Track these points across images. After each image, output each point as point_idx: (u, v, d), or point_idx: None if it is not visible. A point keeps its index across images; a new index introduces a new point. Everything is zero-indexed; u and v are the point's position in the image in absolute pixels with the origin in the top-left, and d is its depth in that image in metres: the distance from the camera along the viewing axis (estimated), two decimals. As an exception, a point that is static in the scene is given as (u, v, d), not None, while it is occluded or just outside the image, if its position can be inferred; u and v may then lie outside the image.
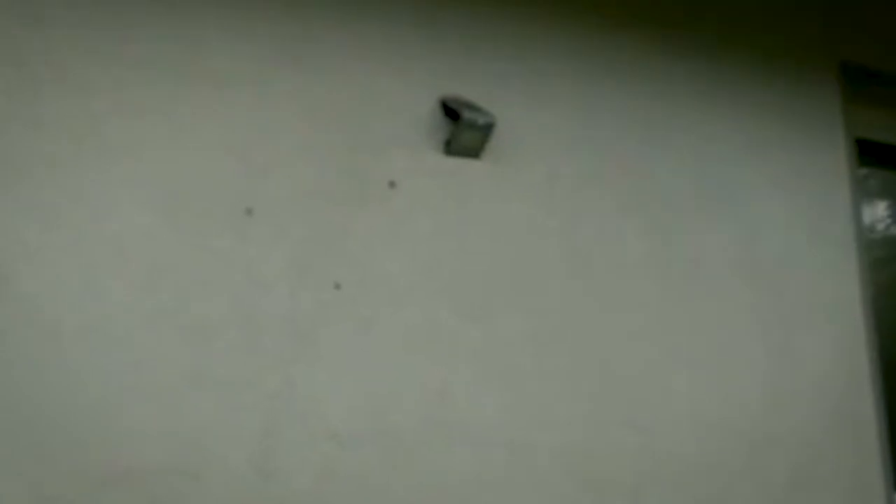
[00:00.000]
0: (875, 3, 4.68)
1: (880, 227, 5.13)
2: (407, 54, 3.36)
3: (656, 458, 3.59)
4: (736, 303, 3.95)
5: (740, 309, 3.95)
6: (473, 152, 3.41)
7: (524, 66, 3.58)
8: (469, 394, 3.34)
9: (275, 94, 3.06)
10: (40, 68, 2.73)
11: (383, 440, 3.09)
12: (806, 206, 4.28)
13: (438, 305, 3.28)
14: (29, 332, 2.62)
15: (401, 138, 3.29)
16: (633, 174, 3.78)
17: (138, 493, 2.68)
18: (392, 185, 3.24)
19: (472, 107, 3.37)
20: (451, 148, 3.36)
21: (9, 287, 2.61)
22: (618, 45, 3.79)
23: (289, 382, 2.95)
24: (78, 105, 2.75)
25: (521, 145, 3.53)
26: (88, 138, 2.75)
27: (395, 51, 3.34)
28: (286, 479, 2.90)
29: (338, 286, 3.09)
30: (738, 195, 4.07)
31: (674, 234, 3.84)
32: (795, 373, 3.97)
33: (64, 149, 2.72)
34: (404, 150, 3.29)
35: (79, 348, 2.67)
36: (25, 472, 2.54)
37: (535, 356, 3.48)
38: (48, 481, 2.58)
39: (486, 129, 3.35)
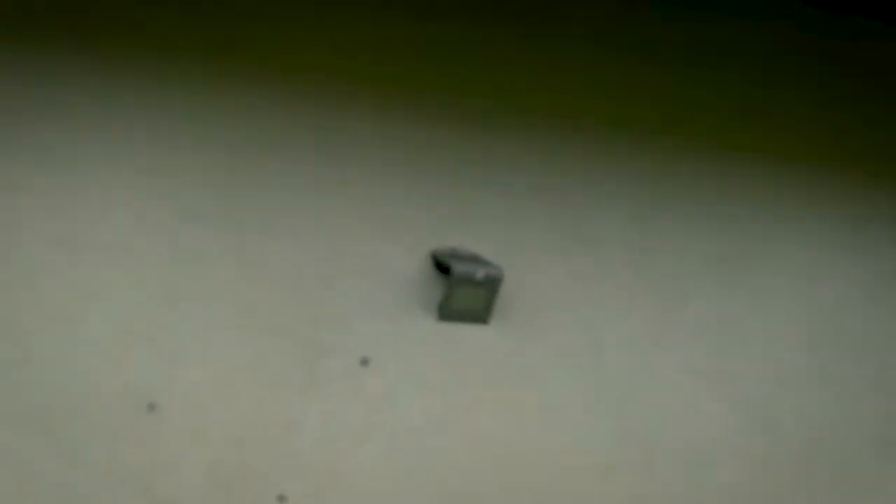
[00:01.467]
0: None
1: None
2: (391, 202, 2.64)
3: None
4: None
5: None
6: (477, 315, 2.63)
7: (551, 211, 2.79)
8: None
9: (198, 249, 2.41)
10: None
11: None
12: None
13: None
14: None
15: (378, 302, 2.56)
16: (712, 333, 2.86)
17: None
18: (364, 362, 2.51)
19: (472, 259, 2.61)
20: (445, 311, 2.60)
21: None
22: (675, 180, 2.93)
23: None
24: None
25: (546, 302, 2.72)
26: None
27: (376, 198, 2.63)
28: None
29: (282, 499, 2.34)
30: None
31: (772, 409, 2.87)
32: None
33: None
34: (382, 317, 2.56)
35: None
36: None
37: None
38: None
39: (490, 286, 2.58)
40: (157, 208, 2.36)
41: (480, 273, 2.56)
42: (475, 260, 2.62)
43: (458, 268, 2.54)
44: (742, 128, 2.95)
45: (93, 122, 2.33)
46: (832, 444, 2.93)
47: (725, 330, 2.88)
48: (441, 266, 2.62)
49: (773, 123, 2.98)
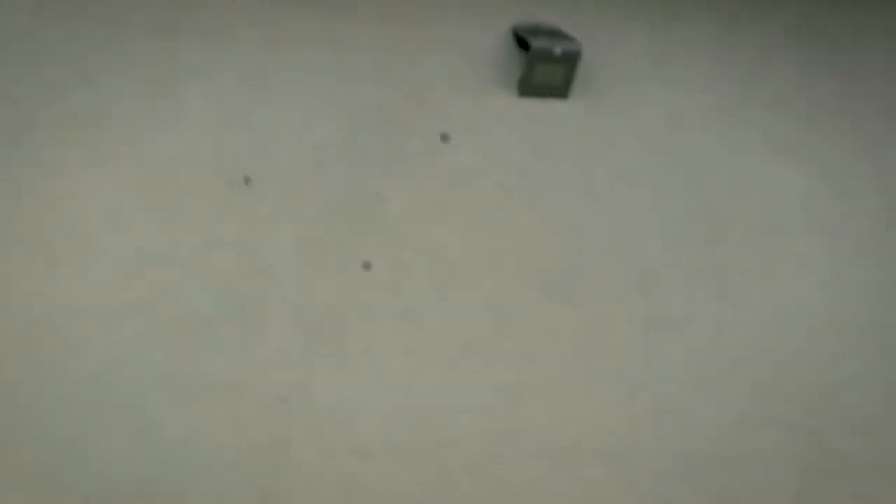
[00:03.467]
0: None
1: None
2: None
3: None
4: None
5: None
6: (557, 91, 2.66)
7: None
8: (552, 398, 2.66)
9: (284, 33, 2.47)
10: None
11: (426, 457, 2.51)
12: None
13: (508, 289, 2.61)
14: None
15: (458, 78, 2.61)
16: (787, 105, 2.82)
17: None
18: (444, 138, 2.59)
19: (552, 33, 2.61)
20: (525, 87, 2.63)
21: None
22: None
23: (300, 388, 2.44)
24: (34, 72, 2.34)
25: (626, 78, 2.72)
26: (47, 104, 2.33)
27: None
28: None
29: (367, 266, 2.51)
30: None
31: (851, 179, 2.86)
32: None
33: (20, 115, 2.32)
34: (462, 92, 2.61)
35: (39, 350, 2.31)
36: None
37: (649, 350, 2.71)
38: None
39: (569, 60, 2.58)
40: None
41: (558, 49, 2.56)
42: (555, 34, 2.61)
43: (536, 43, 2.54)
44: None
45: None
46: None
47: (810, 103, 2.83)
48: (521, 41, 2.63)
49: None
